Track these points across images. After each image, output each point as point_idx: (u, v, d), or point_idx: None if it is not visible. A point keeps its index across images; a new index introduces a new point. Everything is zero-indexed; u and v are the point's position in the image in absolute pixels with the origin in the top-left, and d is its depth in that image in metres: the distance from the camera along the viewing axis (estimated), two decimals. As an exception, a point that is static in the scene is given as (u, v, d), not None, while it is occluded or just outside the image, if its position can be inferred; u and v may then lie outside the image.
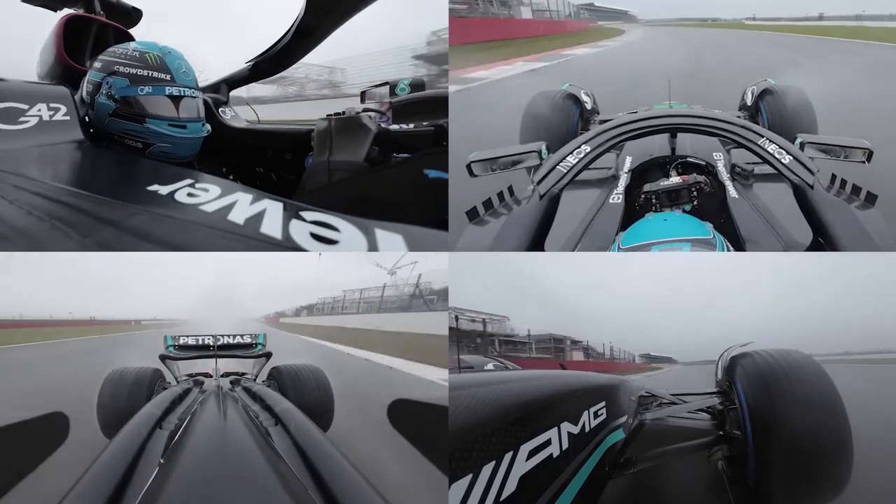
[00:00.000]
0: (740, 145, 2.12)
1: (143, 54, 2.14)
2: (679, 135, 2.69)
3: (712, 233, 1.74)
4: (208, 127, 2.33)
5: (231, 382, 3.12)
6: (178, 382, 3.47)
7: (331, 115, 2.56)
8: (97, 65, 2.16)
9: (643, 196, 2.43)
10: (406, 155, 2.53)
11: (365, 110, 2.44)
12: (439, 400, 1.28)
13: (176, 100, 2.16)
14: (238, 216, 1.38)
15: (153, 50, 2.16)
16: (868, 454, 2.33)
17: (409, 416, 1.66)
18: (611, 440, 1.94)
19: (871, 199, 2.08)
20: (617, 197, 2.59)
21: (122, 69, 2.11)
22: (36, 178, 1.54)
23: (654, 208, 2.41)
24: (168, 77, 2.13)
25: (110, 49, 2.18)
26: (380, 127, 2.52)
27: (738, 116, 3.59)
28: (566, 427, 1.51)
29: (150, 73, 2.11)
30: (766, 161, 2.07)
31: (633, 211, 2.53)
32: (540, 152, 2.32)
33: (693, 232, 1.71)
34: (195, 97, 2.23)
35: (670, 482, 2.83)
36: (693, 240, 1.70)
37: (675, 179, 2.44)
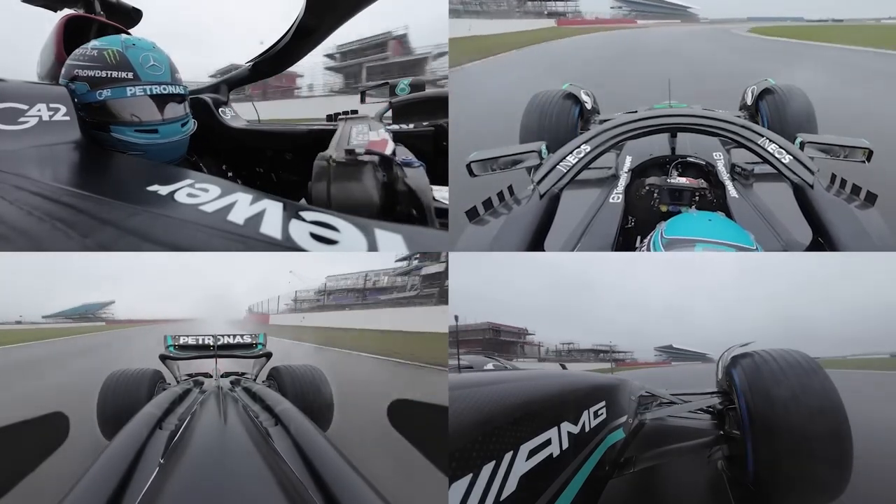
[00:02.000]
0: (740, 145, 2.12)
1: (102, 52, 1.93)
2: (679, 134, 2.69)
3: (756, 243, 1.73)
4: (192, 125, 2.14)
5: (231, 383, 3.12)
6: (178, 383, 3.47)
7: (330, 156, 1.93)
8: (62, 72, 2.00)
9: (646, 188, 2.44)
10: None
11: (368, 151, 1.92)
12: (439, 400, 1.29)
13: (142, 100, 1.95)
14: (238, 216, 1.38)
15: (113, 46, 1.95)
16: (868, 456, 2.32)
17: (409, 416, 1.66)
18: (611, 440, 1.94)
19: (870, 198, 2.08)
20: (617, 196, 2.59)
21: (81, 73, 1.94)
22: (36, 178, 1.54)
23: (654, 203, 2.43)
24: (130, 75, 1.92)
25: (74, 52, 2.02)
26: (383, 180, 1.98)
27: (738, 116, 3.59)
28: (566, 427, 1.51)
29: (109, 73, 1.91)
30: (766, 161, 2.07)
31: (632, 203, 2.55)
32: (540, 152, 2.32)
33: (738, 239, 1.70)
34: (168, 93, 1.99)
35: (670, 482, 2.83)
36: (737, 246, 1.69)
37: (681, 180, 2.47)
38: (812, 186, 1.99)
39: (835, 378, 2.20)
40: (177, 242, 1.24)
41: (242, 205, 1.45)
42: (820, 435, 2.03)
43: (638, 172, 2.76)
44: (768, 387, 2.17)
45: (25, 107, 1.84)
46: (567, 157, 2.11)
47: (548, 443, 1.37)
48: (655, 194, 2.45)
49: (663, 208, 2.49)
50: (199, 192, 1.50)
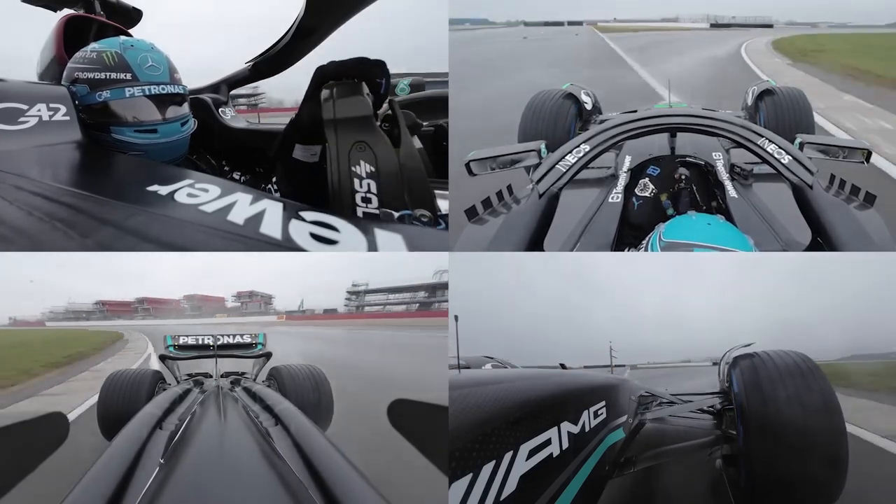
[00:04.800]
0: (740, 145, 2.12)
1: (100, 55, 1.96)
2: (679, 134, 2.70)
3: (754, 248, 1.73)
4: (193, 124, 2.15)
5: (231, 383, 3.12)
6: (178, 383, 3.47)
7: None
8: (64, 75, 2.02)
9: (675, 175, 2.48)
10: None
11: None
12: (439, 400, 1.28)
13: (141, 101, 1.96)
14: (238, 216, 1.38)
15: (111, 48, 1.98)
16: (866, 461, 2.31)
17: (408, 415, 1.66)
18: (611, 440, 1.94)
19: (869, 198, 2.09)
20: (616, 196, 2.60)
21: (81, 75, 1.96)
22: (36, 178, 1.54)
23: (673, 188, 2.51)
24: (128, 76, 1.94)
25: (74, 55, 2.04)
26: None
27: (738, 116, 3.60)
28: (566, 427, 1.51)
29: (108, 74, 1.94)
30: (765, 161, 2.07)
31: (663, 177, 2.57)
32: (539, 151, 2.32)
33: (737, 244, 1.70)
34: (167, 93, 2.01)
35: (670, 482, 2.83)
36: (736, 251, 1.69)
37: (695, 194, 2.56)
38: (811, 187, 1.99)
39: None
40: (176, 242, 1.24)
41: (242, 205, 1.45)
42: (814, 436, 2.02)
43: (637, 172, 2.76)
44: (764, 387, 2.17)
45: (25, 107, 1.84)
46: (566, 157, 2.11)
47: (548, 443, 1.37)
48: (675, 186, 2.49)
49: (663, 197, 2.51)
50: (199, 192, 1.50)
